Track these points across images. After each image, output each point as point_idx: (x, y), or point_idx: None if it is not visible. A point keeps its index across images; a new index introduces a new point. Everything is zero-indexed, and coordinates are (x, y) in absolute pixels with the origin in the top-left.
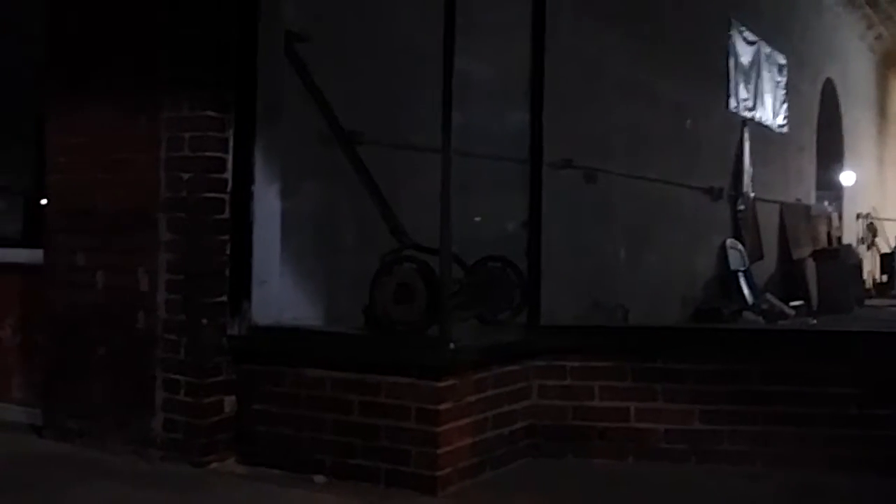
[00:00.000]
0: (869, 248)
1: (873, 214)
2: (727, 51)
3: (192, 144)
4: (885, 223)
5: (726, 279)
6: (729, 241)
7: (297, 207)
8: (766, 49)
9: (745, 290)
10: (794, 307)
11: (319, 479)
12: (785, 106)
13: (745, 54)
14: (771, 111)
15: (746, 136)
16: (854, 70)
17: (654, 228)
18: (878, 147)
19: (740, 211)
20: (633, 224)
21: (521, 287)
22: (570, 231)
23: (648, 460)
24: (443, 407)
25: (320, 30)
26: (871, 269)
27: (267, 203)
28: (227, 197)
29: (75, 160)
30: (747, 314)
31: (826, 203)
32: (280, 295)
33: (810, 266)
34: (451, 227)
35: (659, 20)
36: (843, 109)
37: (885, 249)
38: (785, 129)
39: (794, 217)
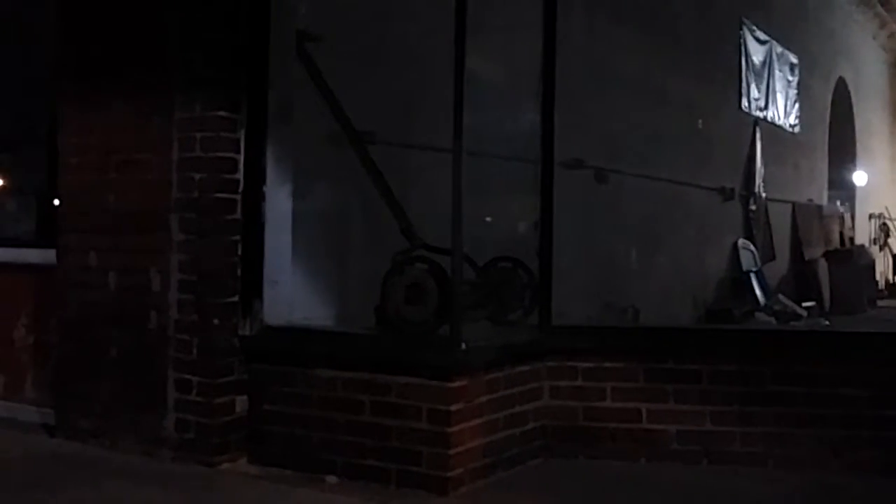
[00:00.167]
0: (881, 248)
1: (886, 215)
2: (739, 50)
3: (204, 145)
4: None
5: (738, 280)
6: (741, 242)
7: (308, 208)
8: (778, 48)
9: (757, 291)
10: (807, 308)
11: (331, 479)
12: (797, 105)
13: (756, 54)
14: (783, 111)
15: (758, 135)
16: (866, 69)
17: (665, 229)
18: (891, 146)
19: (752, 211)
20: (645, 224)
21: (533, 287)
22: (581, 231)
23: (660, 462)
24: (454, 407)
25: (332, 30)
26: (883, 269)
27: (278, 203)
28: (238, 197)
29: (88, 161)
30: (759, 315)
31: (838, 203)
32: (291, 295)
33: (822, 267)
34: (462, 228)
35: (670, 20)
36: (856, 109)
37: None
38: (797, 129)
39: (806, 217)
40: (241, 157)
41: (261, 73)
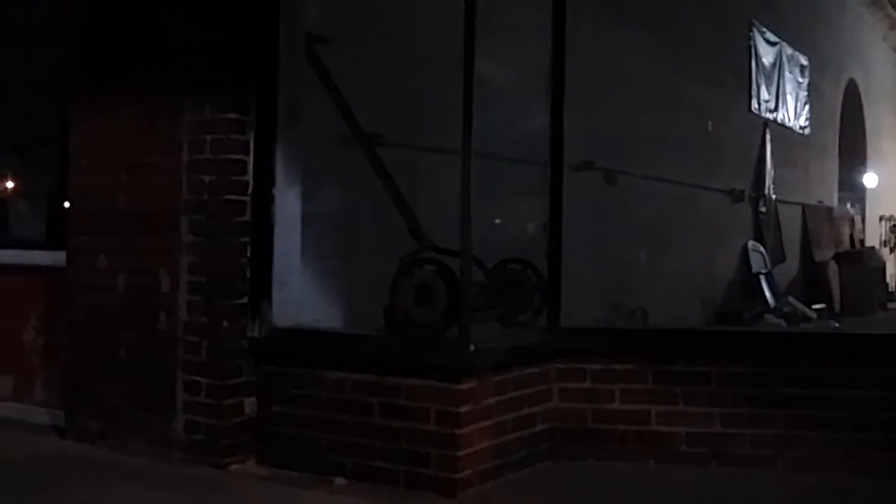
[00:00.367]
0: (892, 250)
1: None
2: (749, 52)
3: (214, 147)
4: None
5: (748, 282)
6: (750, 244)
7: (317, 209)
8: (788, 50)
9: (767, 293)
10: (817, 310)
11: (340, 481)
12: (807, 107)
13: (766, 55)
14: (793, 112)
15: (768, 137)
16: (877, 71)
17: (674, 230)
18: None
19: (762, 213)
20: (654, 226)
21: (542, 289)
22: (590, 233)
23: (669, 464)
24: (463, 409)
25: (341, 32)
26: (893, 271)
27: (287, 205)
28: (248, 199)
29: (98, 163)
30: (769, 317)
31: (849, 205)
32: (300, 297)
33: (833, 269)
34: (471, 229)
35: (680, 21)
36: (866, 110)
37: None
38: (807, 131)
39: (816, 219)
40: (251, 159)
41: (270, 75)
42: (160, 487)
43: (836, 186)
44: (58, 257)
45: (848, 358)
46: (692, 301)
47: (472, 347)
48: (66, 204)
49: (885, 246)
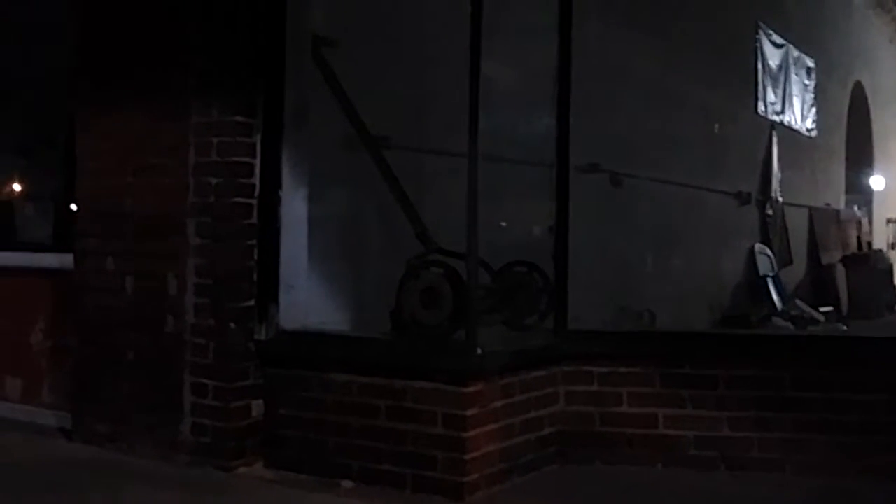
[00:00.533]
0: None
1: None
2: (755, 54)
3: (221, 149)
4: None
5: (755, 284)
6: (757, 246)
7: (323, 212)
8: (795, 52)
9: (774, 296)
10: (824, 313)
11: (346, 483)
12: (814, 109)
13: (773, 58)
14: (800, 115)
15: (775, 139)
16: (884, 73)
17: (681, 233)
18: None
19: (769, 215)
20: (660, 228)
21: (548, 292)
22: (596, 235)
23: (677, 467)
24: (470, 412)
25: (347, 35)
26: None
27: (294, 208)
28: (254, 202)
29: (105, 165)
30: (776, 320)
31: (856, 207)
32: (307, 299)
33: (840, 271)
34: (477, 232)
35: (686, 24)
36: (873, 113)
37: None
38: (814, 133)
39: (823, 222)
40: (258, 162)
41: (277, 78)
42: (167, 490)
43: (843, 189)
44: (65, 260)
45: (856, 361)
46: (699, 304)
47: (478, 350)
48: (73, 206)
49: (892, 248)
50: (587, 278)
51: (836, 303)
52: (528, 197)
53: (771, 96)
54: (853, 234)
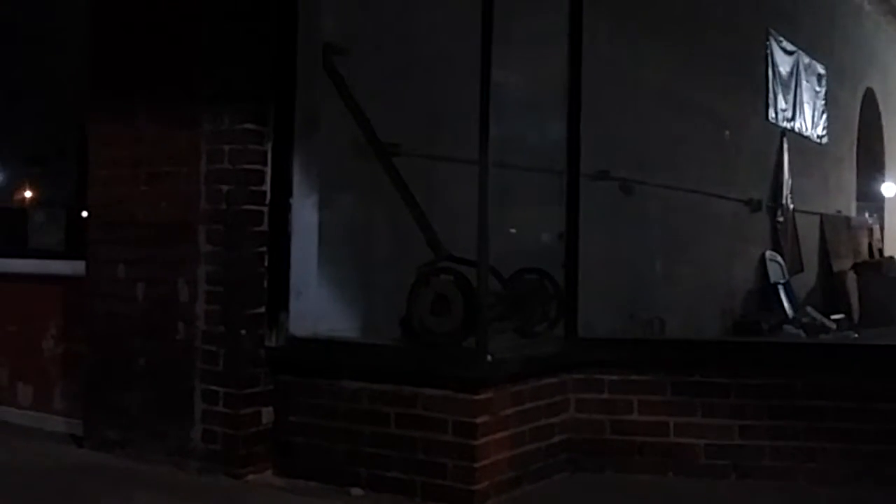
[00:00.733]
0: None
1: None
2: (766, 61)
3: (232, 157)
4: None
5: (766, 292)
6: (768, 254)
7: (334, 219)
8: (806, 59)
9: (786, 303)
10: (836, 320)
11: (356, 491)
12: (824, 116)
13: (783, 64)
14: (810, 121)
15: (785, 146)
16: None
17: (691, 240)
18: None
19: (780, 223)
20: (671, 235)
21: (559, 299)
22: (606, 243)
23: (688, 476)
24: (480, 420)
25: (358, 43)
26: None
27: (304, 215)
28: (265, 209)
29: (117, 173)
30: (788, 327)
31: (867, 214)
32: (317, 306)
33: (851, 279)
34: (488, 239)
35: (696, 31)
36: (884, 119)
37: None
38: (825, 140)
39: (834, 229)
40: (269, 170)
41: (288, 85)
42: (178, 497)
43: (854, 196)
44: (77, 266)
45: (868, 369)
46: (710, 311)
47: (489, 358)
48: (85, 213)
49: None
50: (597, 285)
51: (847, 310)
52: (539, 204)
53: (782, 103)
54: (864, 241)
